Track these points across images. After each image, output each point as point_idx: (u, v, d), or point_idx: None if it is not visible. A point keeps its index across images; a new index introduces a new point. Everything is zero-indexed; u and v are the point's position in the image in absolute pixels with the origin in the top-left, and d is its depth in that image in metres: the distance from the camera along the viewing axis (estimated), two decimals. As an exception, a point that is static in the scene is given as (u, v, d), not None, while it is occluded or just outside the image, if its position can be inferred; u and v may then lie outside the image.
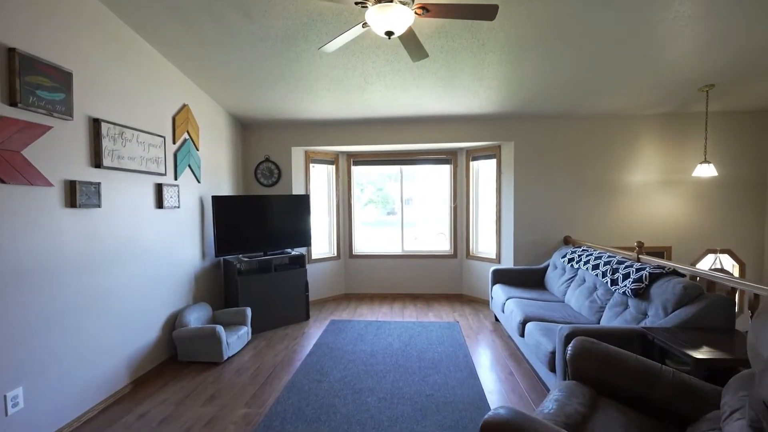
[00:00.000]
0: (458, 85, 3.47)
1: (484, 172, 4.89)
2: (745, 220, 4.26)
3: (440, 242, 5.20)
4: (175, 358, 3.15)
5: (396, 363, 3.05)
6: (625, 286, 2.56)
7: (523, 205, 4.38)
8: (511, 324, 3.13)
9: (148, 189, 2.89)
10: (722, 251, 4.26)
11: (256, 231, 3.95)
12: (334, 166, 5.06)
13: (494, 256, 4.67)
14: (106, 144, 2.44)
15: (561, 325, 2.23)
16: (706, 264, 4.30)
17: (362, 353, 3.25)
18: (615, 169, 4.31)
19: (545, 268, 4.00)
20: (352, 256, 5.15)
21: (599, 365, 1.74)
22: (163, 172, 3.03)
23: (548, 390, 2.56)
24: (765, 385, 1.08)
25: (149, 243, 2.89)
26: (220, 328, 3.05)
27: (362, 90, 3.57)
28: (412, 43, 2.41)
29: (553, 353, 2.29)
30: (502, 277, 4.00)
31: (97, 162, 2.39)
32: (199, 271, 3.59)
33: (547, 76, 3.29)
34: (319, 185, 4.99)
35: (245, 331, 3.41)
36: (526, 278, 3.98)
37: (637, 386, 1.62)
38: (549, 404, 1.59)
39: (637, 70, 3.17)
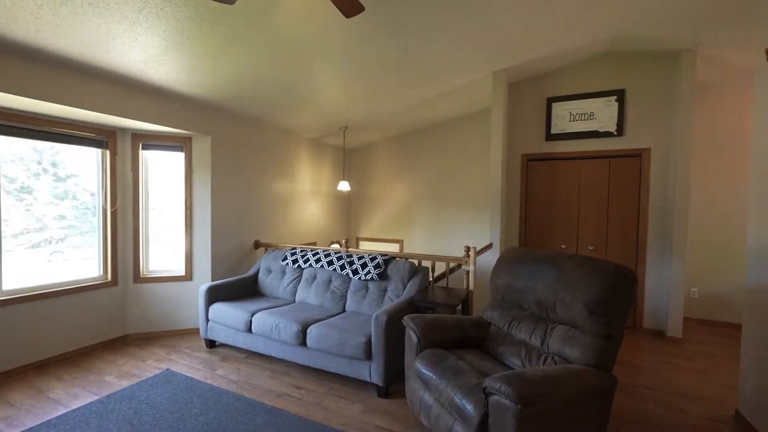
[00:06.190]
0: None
1: (158, 165, 3.78)
2: (342, 220, 6.39)
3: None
4: None
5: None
6: (370, 273, 3.27)
7: (221, 210, 3.92)
8: (279, 337, 2.88)
9: None
10: (336, 242, 6.14)
11: None
12: None
13: (183, 273, 3.77)
14: None
15: (376, 313, 2.55)
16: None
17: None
18: (288, 179, 4.93)
19: (255, 276, 3.88)
20: None
21: (439, 331, 2.32)
22: None
23: (358, 379, 2.77)
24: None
25: None
26: None
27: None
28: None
29: (368, 342, 2.55)
30: (219, 294, 3.42)
31: None
32: None
33: (256, 76, 3.17)
34: None
35: None
36: (242, 290, 3.66)
37: (457, 334, 2.38)
38: (447, 371, 1.95)
39: (307, 101, 3.90)
